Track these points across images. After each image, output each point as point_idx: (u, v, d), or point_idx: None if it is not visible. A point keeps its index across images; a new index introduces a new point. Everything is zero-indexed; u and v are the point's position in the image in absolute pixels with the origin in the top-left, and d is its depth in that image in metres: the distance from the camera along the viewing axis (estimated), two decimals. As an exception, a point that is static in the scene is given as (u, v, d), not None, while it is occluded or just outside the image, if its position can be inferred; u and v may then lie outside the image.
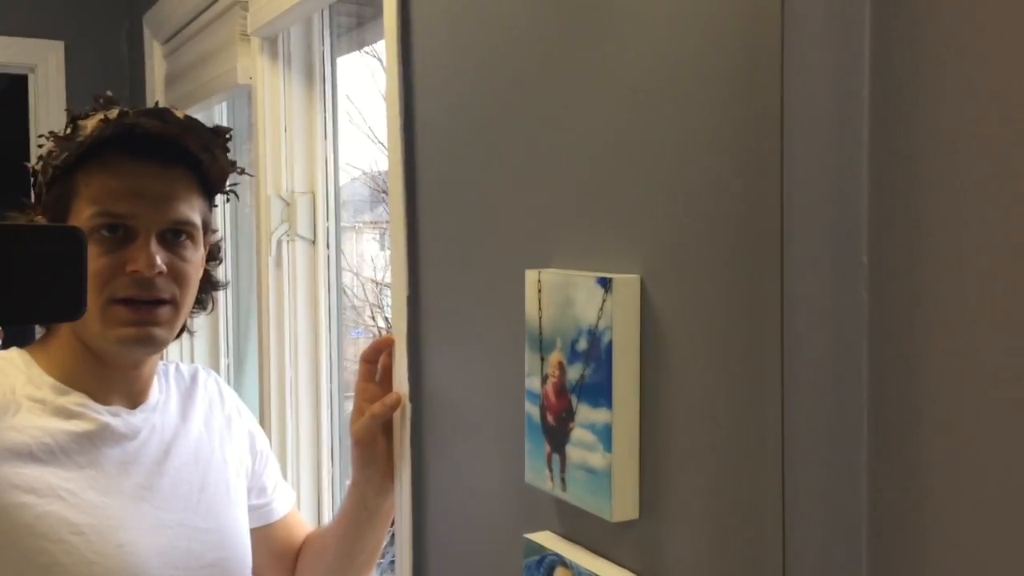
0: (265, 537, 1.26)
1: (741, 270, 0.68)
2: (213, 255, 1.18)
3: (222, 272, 2.14)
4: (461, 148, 1.04)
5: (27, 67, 2.52)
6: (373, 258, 4.11)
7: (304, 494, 1.70)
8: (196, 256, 1.10)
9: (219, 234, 1.20)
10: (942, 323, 0.54)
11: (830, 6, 0.57)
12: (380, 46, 1.78)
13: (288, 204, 1.68)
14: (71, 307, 0.74)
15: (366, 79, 2.18)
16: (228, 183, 1.16)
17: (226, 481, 1.19)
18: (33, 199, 1.12)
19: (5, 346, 1.17)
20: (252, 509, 1.25)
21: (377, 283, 4.02)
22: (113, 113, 1.04)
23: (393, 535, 1.20)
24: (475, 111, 1.01)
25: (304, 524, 1.33)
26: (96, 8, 2.48)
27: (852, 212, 0.57)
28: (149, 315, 1.05)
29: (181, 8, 1.99)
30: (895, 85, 0.55)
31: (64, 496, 1.02)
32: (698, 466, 0.73)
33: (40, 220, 1.08)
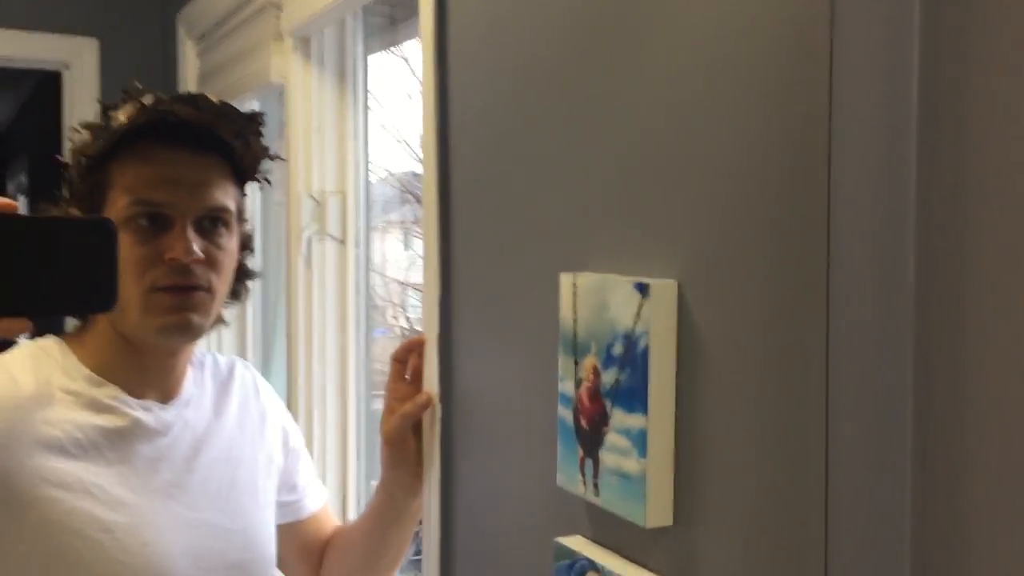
0: (294, 533, 1.27)
1: (783, 277, 0.67)
2: (245, 244, 1.18)
3: (252, 264, 2.16)
4: (496, 148, 1.04)
5: (61, 64, 2.54)
6: (395, 258, 4.11)
7: (330, 491, 1.70)
8: (231, 243, 1.10)
9: (250, 224, 1.19)
10: (989, 340, 0.53)
11: (880, 8, 0.56)
12: (406, 46, 1.78)
13: (318, 204, 1.69)
14: (103, 299, 0.74)
15: (391, 78, 2.18)
16: (261, 169, 1.15)
17: (255, 480, 1.19)
18: (65, 192, 1.12)
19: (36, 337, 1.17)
20: (283, 505, 1.25)
21: (400, 283, 4.03)
22: (148, 99, 1.04)
23: (418, 534, 1.20)
24: (510, 111, 1.01)
25: (333, 521, 1.33)
26: (131, 5, 2.50)
27: (899, 223, 0.56)
28: (187, 300, 1.04)
29: (215, 7, 2.00)
30: (944, 93, 0.55)
31: (94, 492, 1.02)
32: (735, 474, 0.72)
33: (74, 212, 1.08)
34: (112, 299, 0.75)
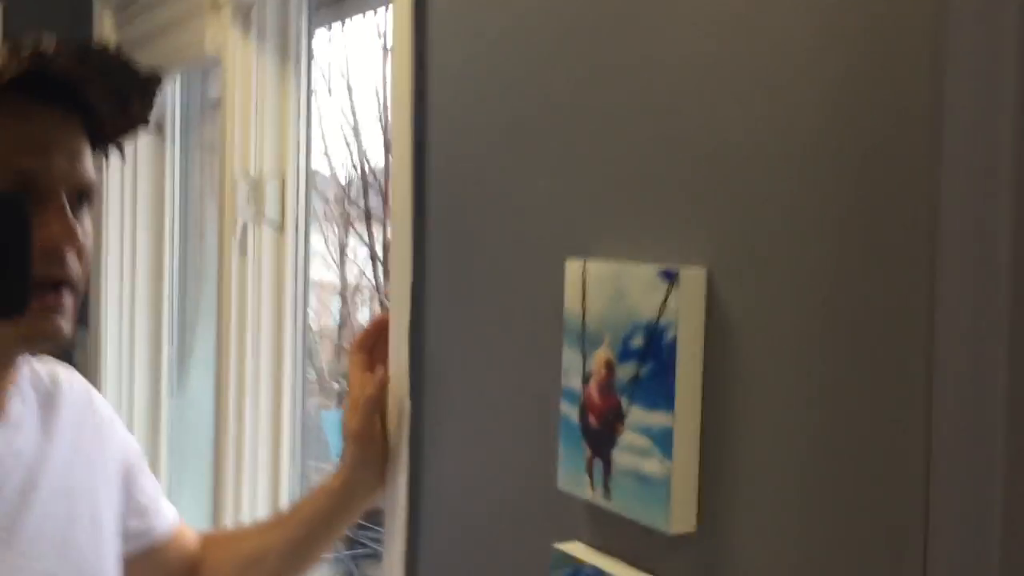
0: (151, 562, 1.07)
1: (850, 265, 0.62)
2: None
3: (169, 256, 2.03)
4: (485, 116, 0.96)
5: (-43, 30, 2.34)
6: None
7: (262, 495, 1.59)
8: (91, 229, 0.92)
9: None
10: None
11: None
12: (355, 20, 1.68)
13: (255, 187, 1.58)
14: (11, 300, 0.61)
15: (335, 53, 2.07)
16: (125, 138, 0.96)
17: (98, 513, 0.99)
18: None
19: None
20: (132, 534, 1.05)
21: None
22: (28, 48, 0.83)
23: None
24: (503, 71, 0.93)
25: (192, 535, 1.15)
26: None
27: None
28: (57, 303, 0.84)
29: (140, -26, 1.87)
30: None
31: None
32: (771, 481, 0.67)
33: None
34: (24, 300, 0.61)
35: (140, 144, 1.98)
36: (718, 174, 0.71)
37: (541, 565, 0.85)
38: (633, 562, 0.78)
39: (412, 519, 1.05)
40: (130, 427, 1.97)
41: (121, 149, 0.97)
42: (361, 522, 1.17)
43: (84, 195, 0.89)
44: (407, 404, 1.04)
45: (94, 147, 0.93)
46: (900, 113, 0.59)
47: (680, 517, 0.72)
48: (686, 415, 0.72)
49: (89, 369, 2.03)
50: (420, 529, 1.05)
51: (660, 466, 0.73)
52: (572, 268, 0.82)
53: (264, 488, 1.60)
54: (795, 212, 0.66)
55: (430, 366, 1.04)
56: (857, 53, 0.61)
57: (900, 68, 0.59)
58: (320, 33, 1.68)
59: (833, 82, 0.63)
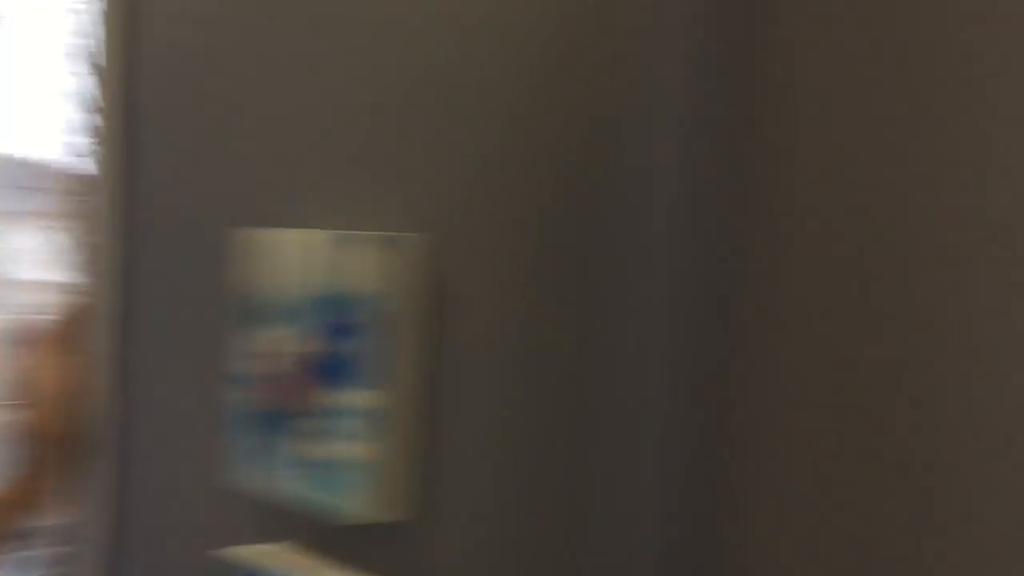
0: None
1: (564, 232, 0.61)
2: None
3: None
4: (184, 89, 0.88)
5: None
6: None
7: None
8: None
9: None
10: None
11: None
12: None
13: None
14: None
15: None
16: None
17: None
18: None
19: None
20: None
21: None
22: None
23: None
24: (206, 32, 0.86)
25: None
26: None
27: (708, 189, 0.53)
28: None
29: None
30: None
31: None
32: (490, 462, 0.65)
33: None
34: None
35: None
36: (428, 137, 0.68)
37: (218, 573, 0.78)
38: (336, 559, 0.73)
39: (110, 528, 0.96)
40: None
41: None
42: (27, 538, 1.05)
43: None
44: (106, 402, 0.94)
45: None
46: (606, 71, 0.59)
47: (389, 505, 0.68)
48: (394, 394, 0.69)
49: None
50: (120, 536, 0.96)
51: (365, 451, 0.69)
52: (252, 239, 0.76)
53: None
54: (509, 178, 0.64)
55: (132, 358, 0.95)
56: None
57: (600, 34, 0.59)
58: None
59: (542, 37, 0.62)
